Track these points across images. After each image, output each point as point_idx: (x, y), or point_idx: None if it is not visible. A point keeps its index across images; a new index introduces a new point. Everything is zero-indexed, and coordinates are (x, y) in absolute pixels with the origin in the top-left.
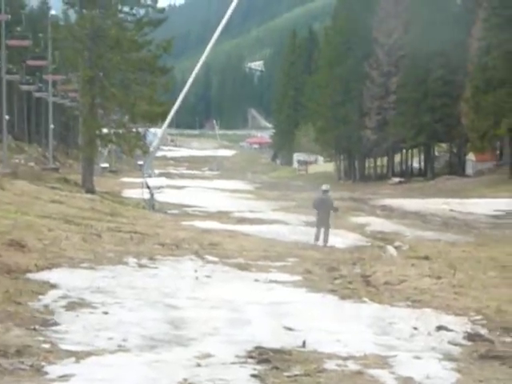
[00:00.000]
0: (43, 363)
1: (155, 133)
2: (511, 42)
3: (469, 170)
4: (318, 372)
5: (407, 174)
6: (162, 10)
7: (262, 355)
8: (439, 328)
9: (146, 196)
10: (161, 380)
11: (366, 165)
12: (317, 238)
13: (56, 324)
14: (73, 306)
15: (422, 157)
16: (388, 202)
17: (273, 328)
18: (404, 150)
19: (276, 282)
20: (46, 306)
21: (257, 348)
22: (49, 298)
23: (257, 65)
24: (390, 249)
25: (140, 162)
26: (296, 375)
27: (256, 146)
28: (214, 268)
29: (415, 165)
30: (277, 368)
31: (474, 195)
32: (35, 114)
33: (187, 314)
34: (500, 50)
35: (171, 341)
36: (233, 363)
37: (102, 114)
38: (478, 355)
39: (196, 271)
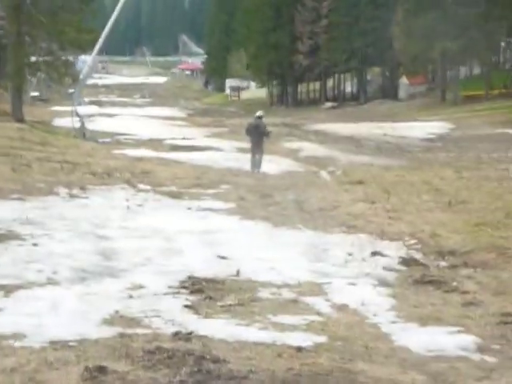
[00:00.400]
0: None
1: (85, 60)
2: None
3: (401, 94)
4: (252, 301)
5: (340, 99)
6: None
7: (194, 285)
8: (374, 254)
9: (77, 125)
10: (91, 313)
11: (299, 90)
12: (253, 166)
13: None
14: (0, 238)
15: (355, 81)
16: (321, 127)
17: (206, 257)
18: (336, 75)
19: (209, 209)
20: None
21: (189, 278)
22: None
23: None
24: (324, 174)
25: (70, 91)
26: (230, 305)
27: (188, 72)
28: (146, 197)
29: (348, 89)
30: (210, 298)
31: (407, 119)
32: None
33: (118, 244)
34: None
35: (102, 272)
36: (165, 294)
37: (30, 41)
38: (413, 280)
39: (127, 200)
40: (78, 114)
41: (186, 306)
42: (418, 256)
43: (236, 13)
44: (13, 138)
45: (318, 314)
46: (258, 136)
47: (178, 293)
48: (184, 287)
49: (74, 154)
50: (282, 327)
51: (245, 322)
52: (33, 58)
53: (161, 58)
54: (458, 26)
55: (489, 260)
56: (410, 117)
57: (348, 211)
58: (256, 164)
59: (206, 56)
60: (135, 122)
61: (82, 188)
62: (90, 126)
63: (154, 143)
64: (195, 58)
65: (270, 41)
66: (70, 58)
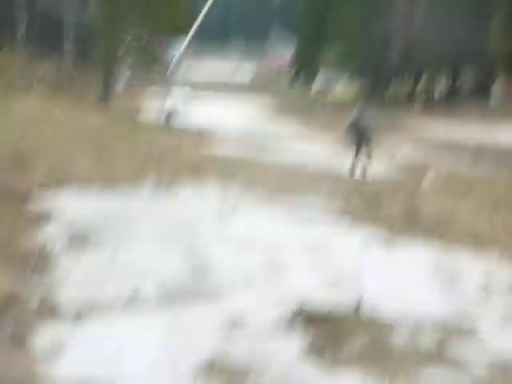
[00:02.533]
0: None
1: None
2: None
3: (495, 98)
4: (383, 348)
5: (431, 99)
6: None
7: (309, 321)
8: None
9: (166, 116)
10: (179, 361)
11: (391, 89)
12: (353, 169)
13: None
14: (76, 242)
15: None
16: (414, 129)
17: (316, 280)
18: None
19: (311, 217)
20: (42, 243)
21: (301, 309)
22: (47, 231)
23: None
24: (427, 180)
25: (163, 80)
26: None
27: (275, 68)
28: (240, 197)
29: (440, 88)
30: (331, 341)
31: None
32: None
33: (213, 256)
34: None
35: (195, 293)
36: (274, 331)
37: (121, 25)
38: None
39: (220, 200)
40: (167, 106)
41: (305, 353)
42: None
43: (329, 8)
44: (101, 127)
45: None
46: (358, 135)
47: (290, 330)
48: (296, 322)
49: (163, 146)
50: None
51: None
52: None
53: (251, 49)
54: None
55: None
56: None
57: (467, 224)
58: (359, 164)
59: (296, 49)
60: (223, 118)
61: (171, 182)
62: (181, 118)
63: (244, 140)
64: (285, 52)
65: (363, 36)
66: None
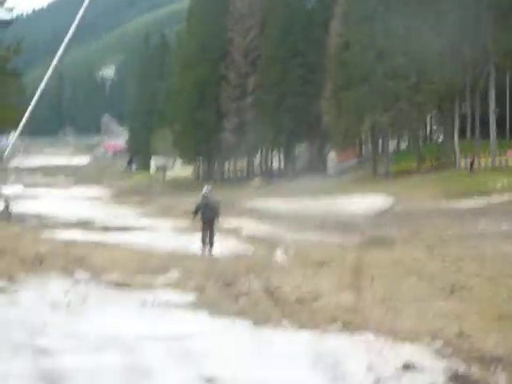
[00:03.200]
0: None
1: (7, 141)
2: (369, 38)
3: (330, 169)
4: None
5: (267, 175)
6: (11, 10)
7: None
8: (406, 367)
9: (1, 207)
10: None
11: (226, 167)
12: (204, 244)
13: None
14: None
15: (282, 157)
16: (255, 203)
17: None
18: (264, 151)
19: (167, 304)
20: None
21: None
22: None
23: (108, 72)
24: (279, 255)
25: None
26: None
27: (111, 152)
28: (87, 289)
29: (275, 164)
30: None
31: (344, 194)
32: None
33: (65, 363)
34: (359, 46)
35: None
36: None
37: None
38: None
39: (66, 293)
40: (1, 196)
41: None
42: (462, 368)
43: (158, 93)
44: None
45: None
46: (209, 214)
47: None
48: None
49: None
50: None
51: None
52: None
53: (84, 139)
54: (387, 99)
55: None
56: (346, 192)
57: (333, 302)
58: (209, 243)
59: (128, 136)
60: (62, 203)
61: (11, 279)
62: (15, 208)
63: (84, 225)
64: (118, 139)
65: (195, 119)
66: None
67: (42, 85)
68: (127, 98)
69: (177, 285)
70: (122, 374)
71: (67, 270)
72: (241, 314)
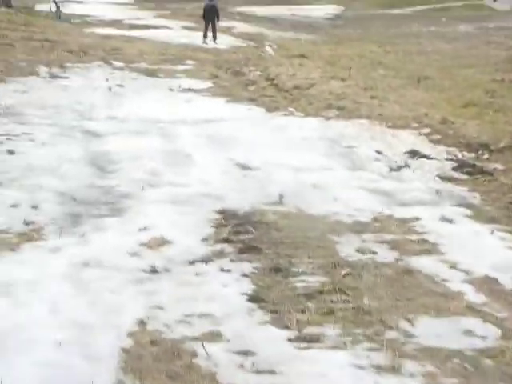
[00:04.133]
0: None
1: None
2: None
3: None
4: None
5: None
6: None
7: (238, 234)
8: (412, 154)
9: (53, 8)
10: (98, 327)
11: None
12: (205, 35)
13: None
14: None
15: None
16: (241, 9)
17: (223, 167)
18: None
19: (190, 90)
20: None
21: (223, 215)
22: None
23: None
24: (268, 48)
25: None
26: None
27: None
28: (123, 75)
29: None
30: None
31: (303, 2)
32: None
33: (111, 145)
34: None
35: (99, 204)
36: (204, 259)
37: None
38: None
39: (107, 80)
40: (54, 0)
41: (250, 298)
42: (460, 154)
43: None
44: (0, 21)
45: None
46: (212, 17)
47: (222, 254)
48: (226, 241)
49: (52, 33)
50: None
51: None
52: None
53: None
54: None
55: None
56: (306, 3)
57: (326, 90)
58: (212, 35)
59: None
60: (98, 7)
61: (62, 66)
62: (64, 9)
63: (116, 23)
64: None
65: None
66: None
67: None
68: None
69: (195, 73)
70: (162, 159)
71: (106, 60)
72: (252, 100)
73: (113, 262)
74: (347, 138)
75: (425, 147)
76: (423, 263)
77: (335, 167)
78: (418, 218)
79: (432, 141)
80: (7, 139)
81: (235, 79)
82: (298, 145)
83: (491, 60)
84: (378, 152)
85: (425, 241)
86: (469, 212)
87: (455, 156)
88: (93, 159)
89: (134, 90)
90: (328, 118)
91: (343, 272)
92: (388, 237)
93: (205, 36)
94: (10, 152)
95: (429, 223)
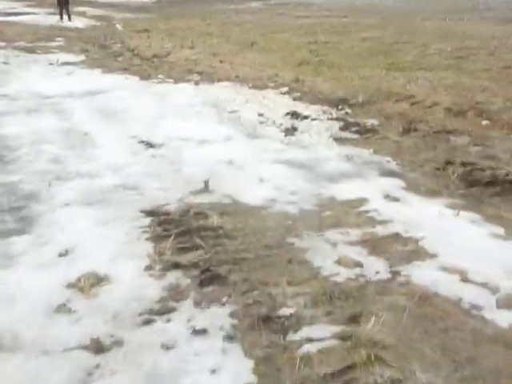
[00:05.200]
0: None
1: None
2: None
3: None
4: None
5: None
6: None
7: (181, 247)
8: (294, 115)
9: None
10: None
11: None
12: (61, 17)
13: None
14: None
15: None
16: None
17: (127, 146)
18: None
19: (68, 63)
20: None
21: (151, 218)
22: None
23: None
24: (118, 26)
25: None
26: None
27: None
28: (7, 53)
29: None
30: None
31: None
32: None
33: (7, 129)
34: None
35: (1, 211)
36: (149, 293)
37: None
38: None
39: None
40: None
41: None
42: (331, 110)
43: None
44: None
45: None
46: (65, 1)
47: (180, 293)
48: (175, 266)
49: None
50: None
51: None
52: None
53: None
54: None
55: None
56: None
57: (181, 57)
58: (68, 16)
59: None
60: None
61: None
62: None
63: None
64: None
65: None
66: None
67: None
68: None
69: (67, 48)
70: (63, 141)
71: None
72: (125, 69)
73: (30, 339)
74: (226, 102)
75: (298, 107)
76: (427, 277)
77: (234, 136)
78: (364, 200)
79: (296, 99)
80: None
81: (103, 52)
82: (188, 113)
83: (294, 26)
84: (260, 114)
85: (398, 236)
86: (403, 184)
87: (331, 114)
88: None
89: (18, 66)
90: (196, 83)
91: (369, 324)
92: (355, 233)
93: (61, 18)
94: None
95: (380, 206)
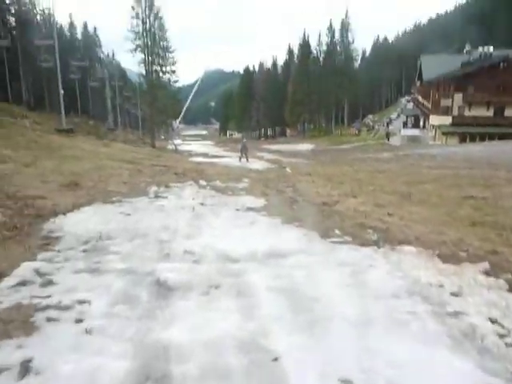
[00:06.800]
0: None
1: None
2: (304, 90)
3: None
4: None
5: (269, 137)
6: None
7: None
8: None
9: (173, 147)
10: None
11: (258, 132)
12: (240, 160)
13: None
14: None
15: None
16: (267, 146)
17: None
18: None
19: (250, 209)
20: None
21: None
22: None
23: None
24: (287, 169)
25: (172, 132)
26: None
27: (215, 129)
28: (205, 193)
29: (269, 132)
30: None
31: (294, 143)
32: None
33: (177, 327)
34: (300, 93)
35: None
36: None
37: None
38: None
39: (193, 199)
40: (173, 143)
41: None
42: None
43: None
44: (145, 153)
45: None
46: (244, 149)
47: None
48: None
49: (169, 161)
50: None
51: None
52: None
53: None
54: (307, 111)
55: None
56: (296, 143)
57: (349, 207)
58: (246, 159)
59: (220, 123)
60: (197, 146)
61: (167, 186)
62: (180, 147)
63: (203, 155)
64: (217, 124)
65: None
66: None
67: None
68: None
69: (250, 191)
70: (241, 359)
71: (195, 179)
72: (301, 221)
73: None
74: (434, 289)
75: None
76: None
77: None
78: None
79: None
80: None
81: (280, 196)
82: (402, 318)
83: (431, 176)
84: (493, 321)
85: None
86: None
87: None
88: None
89: (211, 209)
90: (376, 244)
91: None
92: None
93: (240, 160)
94: (79, 321)
95: None
